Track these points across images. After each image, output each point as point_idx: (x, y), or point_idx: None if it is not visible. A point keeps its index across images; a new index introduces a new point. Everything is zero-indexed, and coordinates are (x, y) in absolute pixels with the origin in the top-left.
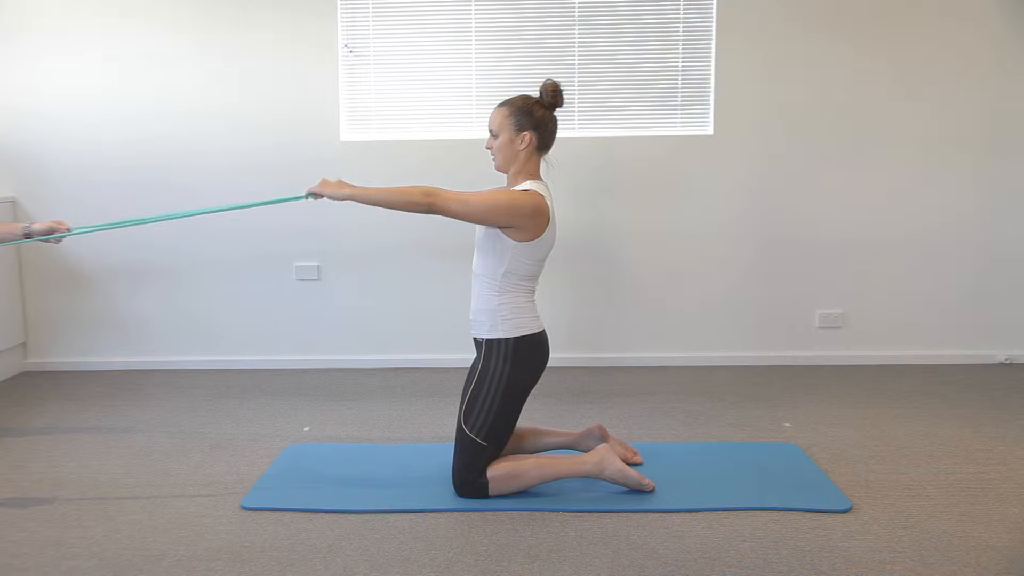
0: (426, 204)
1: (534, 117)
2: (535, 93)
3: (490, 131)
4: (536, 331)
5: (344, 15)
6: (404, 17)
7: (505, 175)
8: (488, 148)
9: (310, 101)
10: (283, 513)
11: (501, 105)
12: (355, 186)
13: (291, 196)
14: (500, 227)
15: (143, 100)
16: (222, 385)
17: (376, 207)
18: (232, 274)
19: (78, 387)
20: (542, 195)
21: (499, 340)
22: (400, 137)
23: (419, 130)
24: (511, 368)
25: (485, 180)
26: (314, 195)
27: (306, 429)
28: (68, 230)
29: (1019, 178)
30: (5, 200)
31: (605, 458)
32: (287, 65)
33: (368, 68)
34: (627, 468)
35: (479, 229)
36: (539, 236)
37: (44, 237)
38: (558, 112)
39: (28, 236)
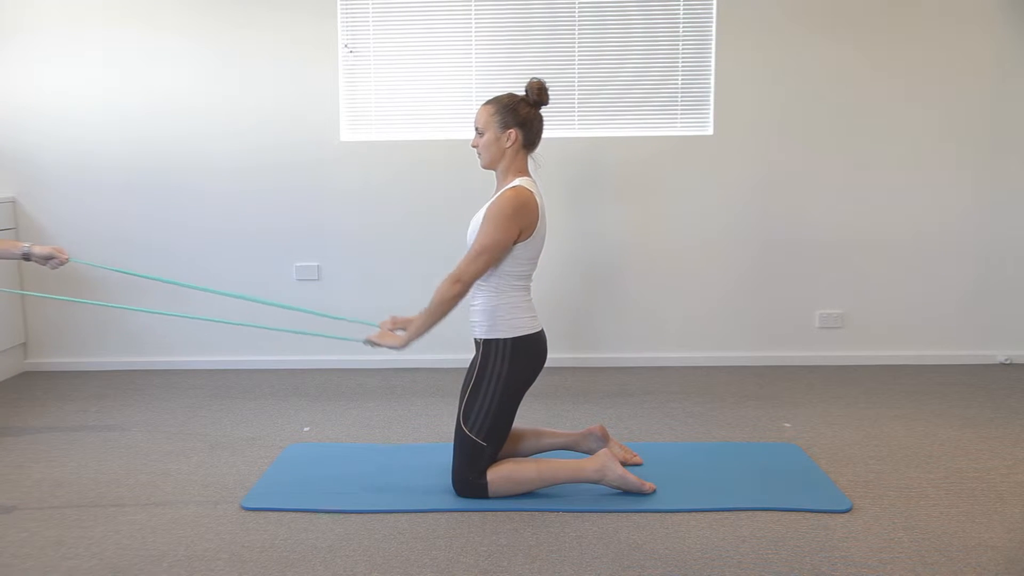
0: (461, 289)
1: (519, 115)
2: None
3: (476, 129)
4: (534, 330)
5: (344, 15)
6: (404, 17)
7: (492, 172)
8: (474, 146)
9: (310, 101)
10: (283, 513)
11: (487, 103)
12: (407, 327)
13: (346, 336)
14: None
15: (143, 100)
16: (222, 385)
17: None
18: (232, 274)
19: (78, 387)
20: (531, 191)
21: (498, 340)
22: (400, 137)
23: (419, 130)
24: (510, 368)
25: (484, 180)
26: (372, 344)
27: (306, 429)
28: (67, 260)
29: (1019, 178)
30: (5, 200)
31: (606, 464)
32: (287, 65)
33: (368, 68)
34: (628, 474)
35: (470, 233)
36: (530, 235)
37: (42, 261)
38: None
39: (27, 257)
